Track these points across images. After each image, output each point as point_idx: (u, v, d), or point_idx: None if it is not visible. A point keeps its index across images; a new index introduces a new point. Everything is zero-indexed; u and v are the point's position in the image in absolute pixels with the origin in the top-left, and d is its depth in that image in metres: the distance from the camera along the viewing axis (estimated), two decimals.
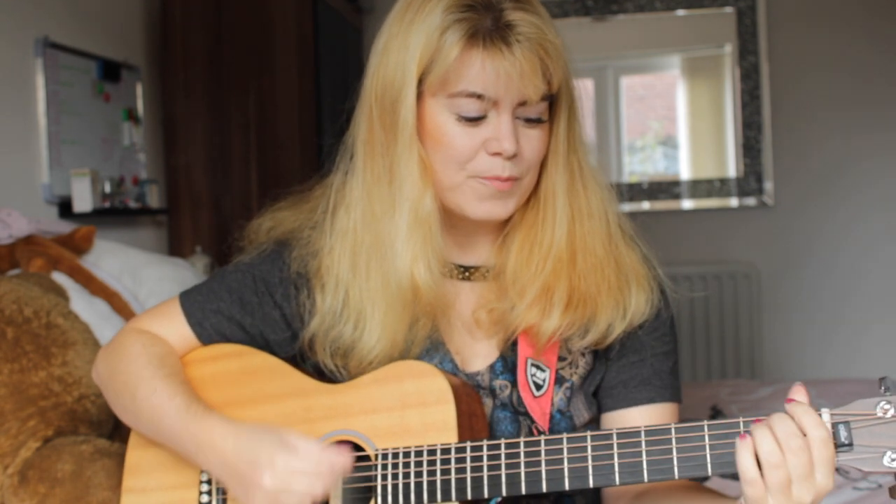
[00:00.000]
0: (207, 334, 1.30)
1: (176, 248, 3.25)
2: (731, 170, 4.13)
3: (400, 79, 1.13)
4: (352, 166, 1.22)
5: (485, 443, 1.09)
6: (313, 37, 3.27)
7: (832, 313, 4.01)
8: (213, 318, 1.29)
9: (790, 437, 0.95)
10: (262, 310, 1.28)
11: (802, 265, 4.03)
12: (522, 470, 1.07)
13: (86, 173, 2.69)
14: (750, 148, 4.06)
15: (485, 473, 1.08)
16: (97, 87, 2.91)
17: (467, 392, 1.18)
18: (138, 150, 3.15)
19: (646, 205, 4.18)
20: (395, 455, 1.13)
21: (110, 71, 2.97)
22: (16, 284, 1.88)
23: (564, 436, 1.07)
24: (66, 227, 2.32)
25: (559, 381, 1.23)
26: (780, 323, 4.06)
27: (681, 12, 4.13)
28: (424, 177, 1.15)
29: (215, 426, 1.16)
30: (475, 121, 1.13)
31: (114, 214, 2.90)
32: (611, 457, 1.04)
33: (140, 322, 1.33)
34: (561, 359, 1.24)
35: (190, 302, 1.31)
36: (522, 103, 1.12)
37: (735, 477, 0.98)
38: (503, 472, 1.08)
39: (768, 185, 4.05)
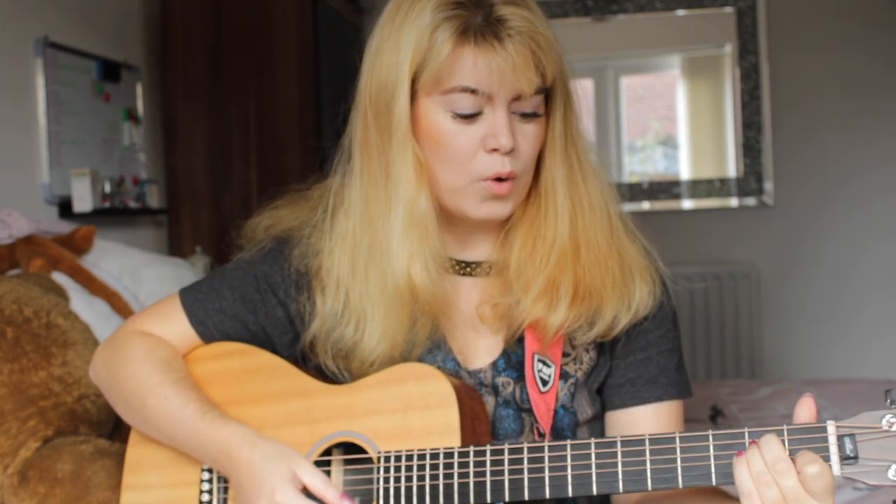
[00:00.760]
0: (210, 333, 1.30)
1: (176, 248, 3.24)
2: (731, 170, 4.13)
3: (393, 79, 1.13)
4: (349, 168, 1.22)
5: (488, 447, 1.09)
6: (313, 37, 3.27)
7: (832, 313, 4.01)
8: (215, 317, 1.29)
9: (776, 462, 0.96)
10: (264, 307, 1.28)
11: (802, 265, 4.03)
12: (525, 475, 1.07)
13: (86, 173, 2.69)
14: (750, 148, 4.06)
15: (488, 478, 1.08)
16: (97, 87, 2.91)
17: (470, 395, 1.17)
18: (138, 150, 3.15)
19: (646, 205, 4.18)
20: (398, 458, 1.12)
21: (110, 71, 2.97)
22: (16, 284, 1.88)
23: (568, 442, 1.07)
24: (66, 227, 2.32)
25: (563, 376, 1.23)
26: (780, 323, 4.06)
27: (681, 12, 4.13)
28: (420, 177, 1.15)
29: (233, 433, 1.17)
30: (470, 118, 1.13)
31: (114, 214, 2.90)
32: (615, 464, 1.04)
33: (140, 322, 1.32)
34: (565, 354, 1.24)
35: (191, 300, 1.30)
36: (517, 98, 1.13)
37: None
38: (506, 476, 1.07)
39: (768, 185, 4.05)
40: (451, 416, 1.12)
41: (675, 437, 1.03)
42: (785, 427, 0.99)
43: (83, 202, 2.68)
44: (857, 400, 2.69)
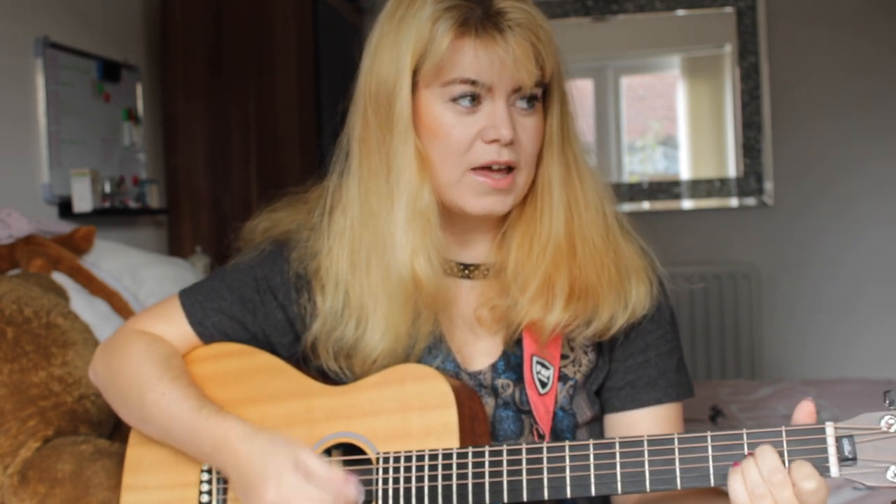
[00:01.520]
0: (209, 333, 1.30)
1: (176, 248, 3.24)
2: (731, 170, 4.13)
3: (394, 73, 1.14)
4: (347, 166, 1.23)
5: (487, 448, 1.09)
6: (313, 37, 3.27)
7: (832, 313, 4.01)
8: (214, 318, 1.29)
9: (773, 473, 0.96)
10: (263, 309, 1.28)
11: (802, 265, 4.03)
12: (524, 477, 1.07)
13: (86, 173, 2.69)
14: (750, 148, 4.06)
15: (486, 479, 1.08)
16: (97, 87, 2.91)
17: (469, 395, 1.17)
18: (138, 150, 3.15)
19: (646, 205, 4.18)
20: (396, 459, 1.12)
21: (110, 71, 2.97)
22: (16, 284, 1.88)
23: (567, 443, 1.07)
24: (66, 227, 2.32)
25: (562, 378, 1.23)
26: (780, 323, 4.06)
27: (681, 12, 4.13)
28: (422, 170, 1.15)
29: (231, 427, 1.16)
30: (470, 109, 1.13)
31: (114, 214, 2.90)
32: (613, 465, 1.04)
33: (139, 322, 1.33)
34: (564, 356, 1.24)
35: (190, 301, 1.30)
36: (517, 90, 1.13)
37: None
38: (504, 478, 1.08)
39: (768, 185, 4.05)
40: (449, 416, 1.12)
41: (673, 439, 1.03)
42: (783, 429, 0.99)
43: (83, 202, 2.68)
44: (856, 400, 2.69)
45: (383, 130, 1.17)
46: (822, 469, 0.96)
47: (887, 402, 0.96)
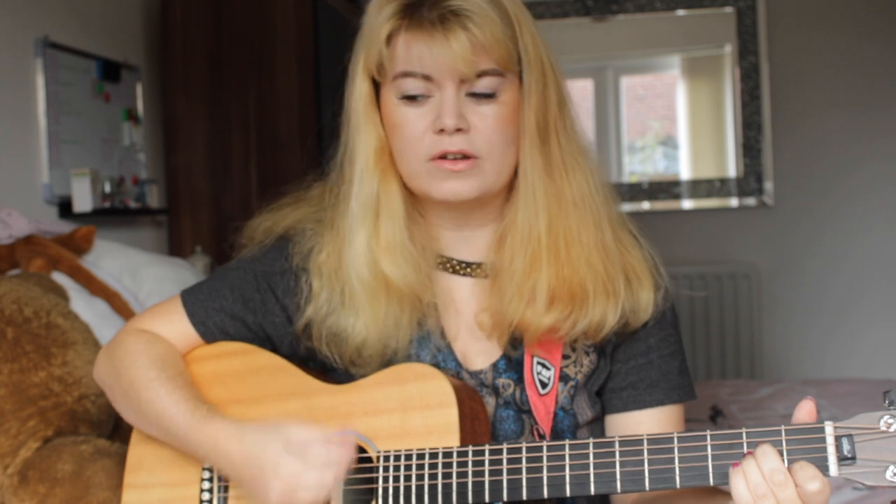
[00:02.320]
0: (210, 333, 1.30)
1: (176, 248, 3.24)
2: (731, 170, 4.13)
3: (351, 70, 1.20)
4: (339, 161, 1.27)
5: (487, 447, 1.09)
6: (313, 37, 3.26)
7: (832, 313, 4.01)
8: (216, 317, 1.29)
9: (774, 473, 0.96)
10: (264, 307, 1.28)
11: (802, 265, 4.03)
12: (524, 475, 1.07)
13: (86, 173, 2.69)
14: (750, 148, 4.06)
15: (486, 478, 1.08)
16: (97, 87, 2.91)
17: (470, 395, 1.17)
18: (138, 150, 3.15)
19: (646, 205, 4.18)
20: (397, 457, 1.13)
21: (110, 71, 2.97)
22: (16, 284, 1.88)
23: (567, 442, 1.07)
24: (66, 227, 2.32)
25: (563, 378, 1.23)
26: (780, 323, 4.06)
27: (681, 12, 4.13)
28: (376, 162, 1.19)
29: (220, 430, 1.16)
30: (418, 101, 1.15)
31: (114, 214, 2.90)
32: (613, 464, 1.04)
33: (141, 322, 1.33)
34: (565, 357, 1.24)
35: (192, 300, 1.31)
36: (465, 81, 1.14)
37: None
38: (504, 476, 1.08)
39: (768, 185, 4.05)
40: (450, 416, 1.12)
41: (673, 438, 1.03)
42: (783, 428, 0.99)
43: (83, 202, 2.68)
44: (857, 400, 2.69)
45: (348, 127, 1.22)
46: (822, 468, 0.96)
47: (887, 402, 0.96)
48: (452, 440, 1.12)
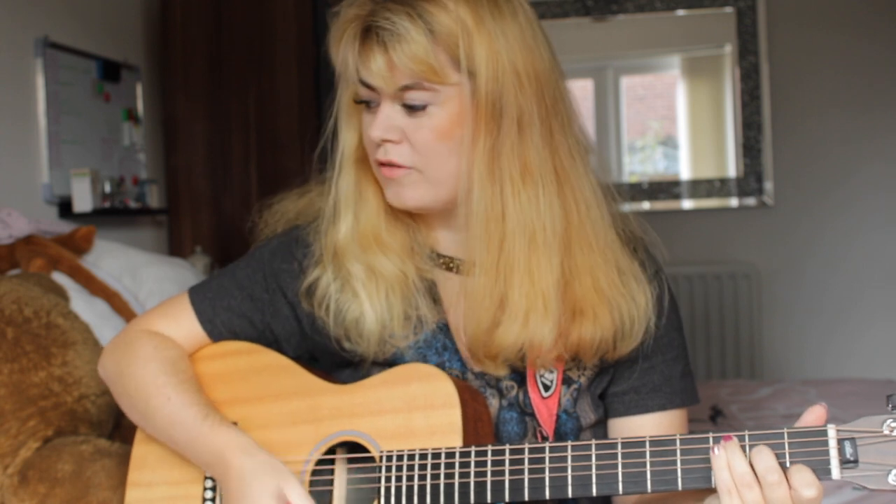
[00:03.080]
0: (218, 331, 1.30)
1: (176, 248, 3.24)
2: (731, 170, 4.13)
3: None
4: None
5: (489, 447, 1.09)
6: (313, 37, 3.26)
7: (832, 313, 4.01)
8: (223, 315, 1.30)
9: (768, 472, 0.96)
10: (272, 307, 1.29)
11: (802, 265, 4.03)
12: (526, 476, 1.07)
13: (86, 173, 2.69)
14: (750, 148, 4.06)
15: (488, 478, 1.08)
16: (97, 87, 2.91)
17: (474, 396, 1.18)
18: (138, 150, 3.15)
19: (646, 205, 4.18)
20: (400, 457, 1.13)
21: (110, 71, 2.97)
22: (16, 284, 1.88)
23: (569, 443, 1.07)
24: (66, 227, 2.32)
25: (567, 381, 1.23)
26: (780, 323, 4.06)
27: (681, 12, 4.13)
28: (355, 160, 1.23)
29: (230, 440, 1.17)
30: (372, 107, 1.18)
31: (114, 214, 2.90)
32: (615, 466, 1.04)
33: (149, 321, 1.33)
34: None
35: (200, 299, 1.31)
36: (403, 90, 1.13)
37: None
38: (507, 477, 1.08)
39: (768, 185, 4.05)
40: (454, 416, 1.12)
41: (675, 440, 1.03)
42: (785, 430, 0.99)
43: (83, 202, 2.68)
44: (856, 400, 2.69)
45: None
46: (824, 471, 0.96)
47: (890, 405, 0.96)
48: (456, 441, 1.12)
